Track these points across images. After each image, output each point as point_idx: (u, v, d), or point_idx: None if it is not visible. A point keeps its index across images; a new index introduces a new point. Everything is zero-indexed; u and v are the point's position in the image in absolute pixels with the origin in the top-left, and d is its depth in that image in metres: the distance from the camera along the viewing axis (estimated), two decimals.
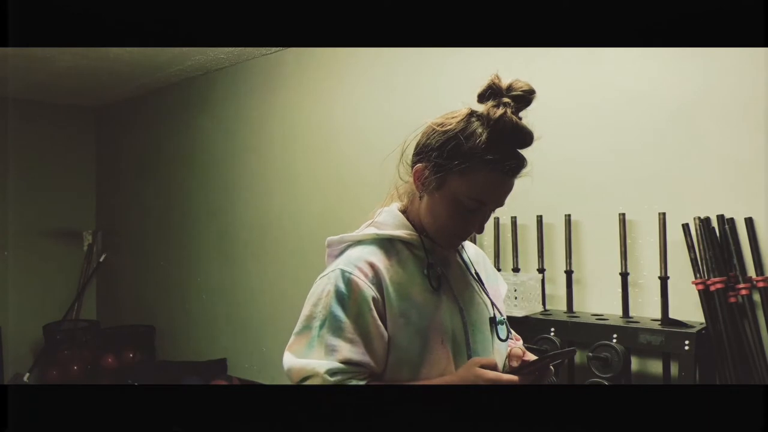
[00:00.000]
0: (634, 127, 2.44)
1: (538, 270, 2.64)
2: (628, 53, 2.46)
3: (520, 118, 1.15)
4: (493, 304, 1.31)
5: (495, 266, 2.76)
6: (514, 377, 1.16)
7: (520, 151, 1.17)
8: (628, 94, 2.46)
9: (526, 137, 1.15)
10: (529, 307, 2.50)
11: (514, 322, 2.48)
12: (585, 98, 2.58)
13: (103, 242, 5.50)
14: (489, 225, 2.80)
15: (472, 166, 1.13)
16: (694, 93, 2.31)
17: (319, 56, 3.69)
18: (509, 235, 2.73)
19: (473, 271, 1.32)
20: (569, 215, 2.55)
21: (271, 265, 3.98)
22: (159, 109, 4.92)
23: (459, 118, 1.17)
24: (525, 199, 2.70)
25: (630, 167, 2.46)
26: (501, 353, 1.30)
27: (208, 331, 4.49)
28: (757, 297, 2.14)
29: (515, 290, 2.49)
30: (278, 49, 3.90)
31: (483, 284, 1.32)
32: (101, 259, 5.40)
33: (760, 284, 2.12)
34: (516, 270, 2.71)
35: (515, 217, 2.71)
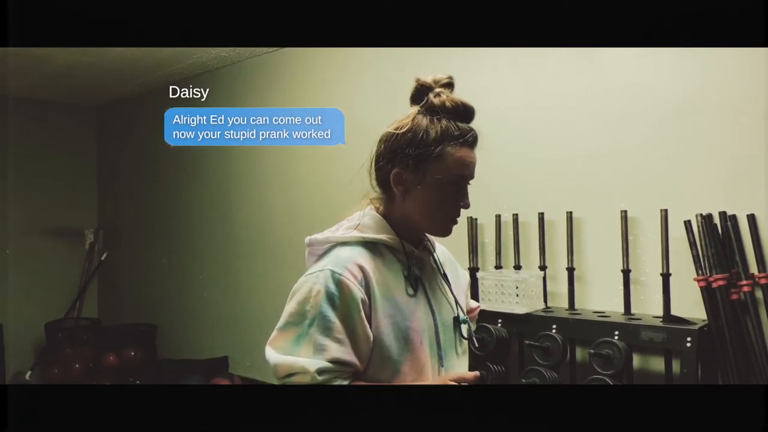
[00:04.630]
0: (636, 124, 2.44)
1: (539, 267, 2.64)
2: (629, 49, 2.45)
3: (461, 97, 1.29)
4: (457, 303, 1.38)
5: (497, 264, 2.76)
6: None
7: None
8: (630, 91, 2.46)
9: (470, 110, 1.28)
10: (530, 304, 2.50)
11: (516, 320, 2.49)
12: (586, 96, 2.57)
13: (105, 241, 5.49)
14: (491, 222, 2.81)
15: (443, 147, 1.23)
16: (696, 89, 2.30)
17: (320, 55, 3.69)
18: (511, 232, 2.73)
19: (443, 272, 1.39)
20: (571, 212, 2.54)
21: (273, 263, 3.98)
22: (160, 108, 4.91)
23: (411, 117, 1.28)
24: (526, 196, 2.70)
25: (631, 164, 2.45)
26: (464, 349, 1.38)
27: (209, 329, 4.49)
28: (759, 294, 2.13)
29: (517, 287, 2.49)
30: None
31: (450, 285, 1.39)
32: (102, 258, 5.39)
33: (762, 281, 2.11)
34: (518, 267, 2.70)
35: (517, 215, 2.71)
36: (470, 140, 1.25)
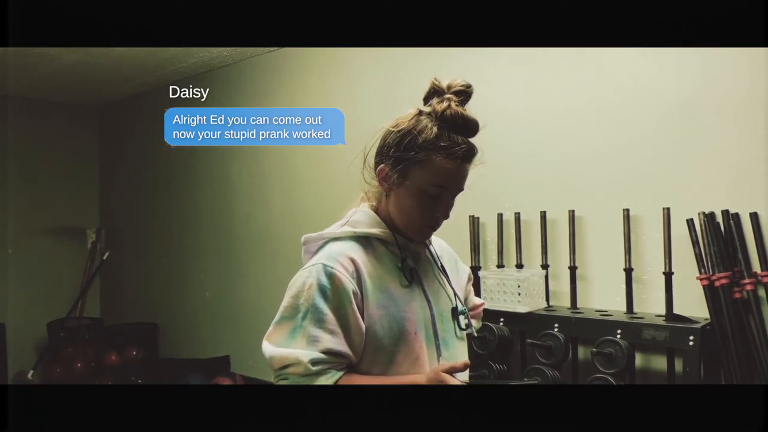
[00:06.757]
0: (638, 122, 2.43)
1: (541, 266, 2.63)
2: (631, 49, 2.44)
3: (464, 110, 1.26)
4: (455, 294, 1.40)
5: (499, 263, 2.76)
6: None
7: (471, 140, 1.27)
8: (632, 89, 2.45)
9: (471, 125, 1.25)
10: (532, 303, 2.50)
11: (518, 318, 2.49)
12: (588, 95, 2.57)
13: (107, 240, 5.49)
14: (492, 221, 2.80)
15: (428, 155, 1.23)
16: (698, 88, 2.30)
17: (320, 55, 3.69)
18: (513, 231, 2.72)
19: (440, 264, 1.41)
20: (573, 211, 2.54)
21: (274, 262, 3.98)
22: (161, 107, 4.91)
23: (410, 117, 1.28)
24: (529, 195, 2.70)
25: (634, 163, 2.45)
26: (462, 339, 1.39)
27: (211, 328, 4.49)
28: (762, 292, 2.13)
29: (519, 286, 2.49)
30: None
31: (448, 276, 1.41)
32: (105, 257, 5.39)
33: (765, 279, 2.11)
34: (520, 266, 2.70)
35: (519, 213, 2.70)
36: (459, 154, 1.23)
